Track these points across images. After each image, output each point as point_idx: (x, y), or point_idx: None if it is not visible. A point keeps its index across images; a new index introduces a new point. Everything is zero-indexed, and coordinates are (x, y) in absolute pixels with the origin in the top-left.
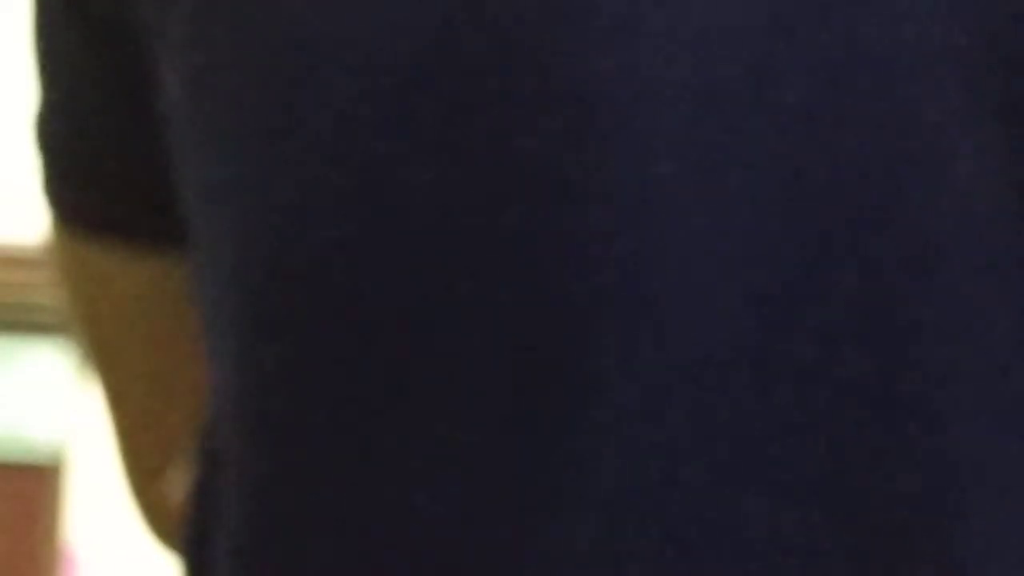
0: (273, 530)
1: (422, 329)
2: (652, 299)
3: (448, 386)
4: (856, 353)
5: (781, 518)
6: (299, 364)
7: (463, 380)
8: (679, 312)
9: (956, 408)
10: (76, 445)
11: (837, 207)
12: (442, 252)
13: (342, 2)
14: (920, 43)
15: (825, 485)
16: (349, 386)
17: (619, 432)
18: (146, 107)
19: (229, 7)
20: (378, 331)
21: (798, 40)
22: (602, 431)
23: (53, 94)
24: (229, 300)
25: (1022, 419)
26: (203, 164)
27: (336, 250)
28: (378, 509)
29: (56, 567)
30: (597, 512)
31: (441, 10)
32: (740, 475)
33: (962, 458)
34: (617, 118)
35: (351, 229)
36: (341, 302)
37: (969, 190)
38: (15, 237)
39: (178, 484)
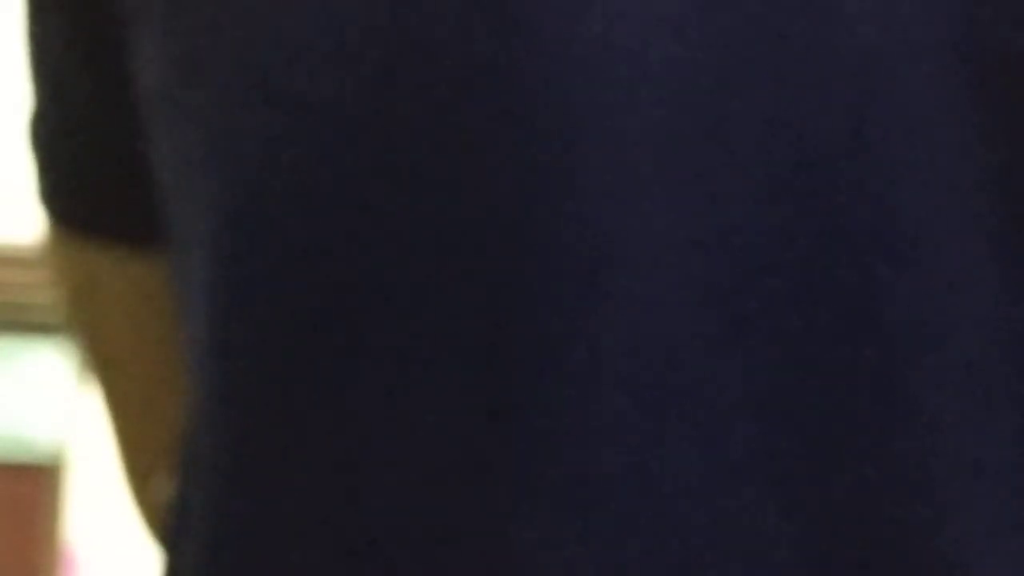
0: (234, 536)
1: (381, 321)
2: (615, 285)
3: (405, 378)
4: (833, 347)
5: (750, 508)
6: (261, 366)
7: (420, 372)
8: (643, 297)
9: (940, 401)
10: (76, 445)
11: (814, 199)
12: (407, 241)
13: None
14: (900, 33)
15: (800, 478)
16: (309, 387)
17: (577, 419)
18: (135, 106)
19: None
20: (339, 326)
21: (776, 32)
22: (561, 418)
23: (45, 95)
24: (201, 297)
25: (1007, 413)
26: (178, 154)
27: (304, 245)
28: (337, 511)
29: (56, 567)
30: (558, 500)
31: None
32: (706, 467)
33: (948, 453)
34: (583, 104)
35: (322, 221)
36: (304, 295)
37: (949, 180)
38: (15, 237)
39: (166, 485)
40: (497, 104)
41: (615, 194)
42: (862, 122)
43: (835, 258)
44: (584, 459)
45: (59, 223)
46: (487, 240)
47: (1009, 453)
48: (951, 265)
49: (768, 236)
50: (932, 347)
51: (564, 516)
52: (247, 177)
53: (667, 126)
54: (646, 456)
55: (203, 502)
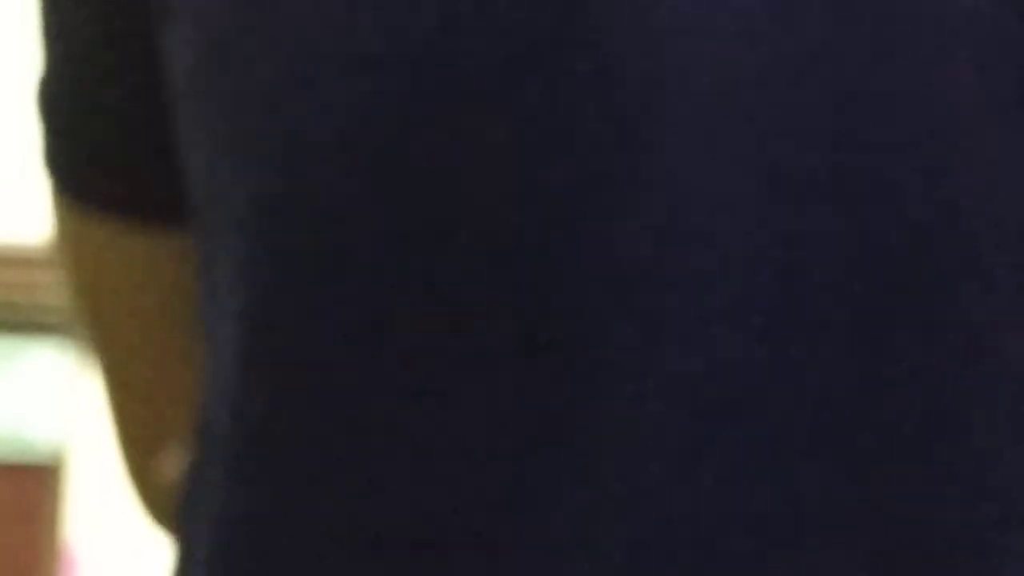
0: (250, 515)
1: (424, 311)
2: (672, 285)
3: (446, 370)
4: (882, 352)
5: (789, 516)
6: (293, 349)
7: (456, 373)
8: (703, 307)
9: (981, 415)
10: (76, 445)
11: (872, 195)
12: (453, 232)
13: None
14: (964, 28)
15: (841, 489)
16: (341, 372)
17: (628, 425)
18: (152, 81)
19: None
20: (378, 317)
21: (838, 26)
22: (610, 425)
23: (58, 64)
24: (230, 280)
25: None
26: (209, 138)
27: (339, 229)
28: (355, 500)
29: (56, 567)
30: (599, 505)
31: None
32: (755, 475)
33: (1001, 465)
34: (639, 99)
35: (358, 207)
36: (341, 282)
37: (1007, 174)
38: (15, 237)
39: (173, 464)
40: (555, 110)
41: (679, 203)
42: (929, 126)
43: (906, 267)
44: (631, 465)
45: (64, 193)
46: (539, 244)
47: None
48: (1010, 273)
49: (838, 247)
50: (991, 358)
51: (607, 522)
52: (285, 165)
53: (734, 132)
54: (693, 464)
55: (219, 477)
